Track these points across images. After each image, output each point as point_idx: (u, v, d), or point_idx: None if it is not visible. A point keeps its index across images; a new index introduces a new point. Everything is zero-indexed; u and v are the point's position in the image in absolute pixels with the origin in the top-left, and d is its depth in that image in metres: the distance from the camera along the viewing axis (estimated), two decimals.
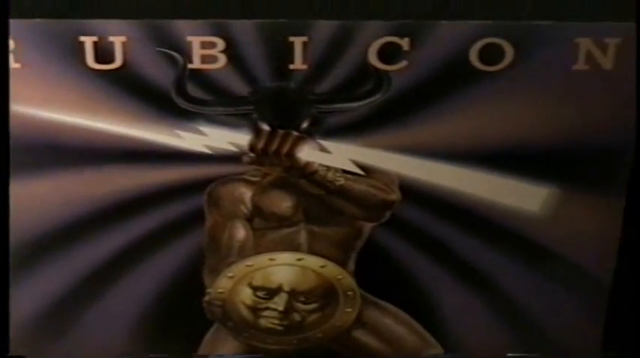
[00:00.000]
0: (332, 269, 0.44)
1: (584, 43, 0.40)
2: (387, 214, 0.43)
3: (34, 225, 0.43)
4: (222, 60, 0.40)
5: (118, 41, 0.40)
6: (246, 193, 0.43)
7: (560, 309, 0.46)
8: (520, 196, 0.43)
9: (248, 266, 0.44)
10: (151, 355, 0.46)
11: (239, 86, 0.41)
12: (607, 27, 0.40)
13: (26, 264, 0.44)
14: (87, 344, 0.46)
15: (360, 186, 0.42)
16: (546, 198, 0.43)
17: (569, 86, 0.41)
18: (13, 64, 0.40)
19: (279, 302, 0.44)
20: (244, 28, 0.40)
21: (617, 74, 0.40)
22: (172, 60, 0.40)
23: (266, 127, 0.41)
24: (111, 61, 0.40)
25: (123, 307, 0.45)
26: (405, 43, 0.40)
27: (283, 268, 0.44)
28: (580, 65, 0.40)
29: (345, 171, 0.42)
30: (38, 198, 0.42)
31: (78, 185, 0.42)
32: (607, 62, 0.40)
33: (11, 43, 0.39)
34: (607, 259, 0.44)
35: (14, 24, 0.39)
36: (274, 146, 0.41)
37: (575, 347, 0.46)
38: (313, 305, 0.44)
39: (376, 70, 0.40)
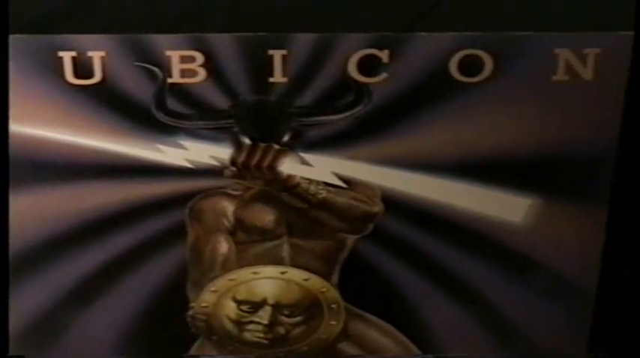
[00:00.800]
0: (316, 282, 0.44)
1: (564, 54, 0.40)
2: (370, 226, 0.43)
3: (17, 241, 0.43)
4: (202, 74, 0.40)
5: (96, 56, 0.40)
6: (229, 207, 0.43)
7: (545, 318, 0.45)
8: (502, 207, 0.43)
9: (231, 280, 0.44)
10: None
11: (219, 100, 0.41)
12: (586, 37, 0.40)
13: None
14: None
15: (343, 199, 0.42)
16: (529, 209, 0.43)
17: (549, 97, 0.41)
18: None
19: (264, 316, 0.44)
20: (224, 42, 0.40)
21: (596, 84, 0.40)
22: (152, 74, 0.40)
23: (247, 141, 0.41)
24: (90, 76, 0.40)
25: (106, 322, 0.45)
26: (384, 55, 0.40)
27: (267, 281, 0.44)
28: (560, 76, 0.40)
29: (327, 184, 0.42)
30: (20, 213, 0.42)
31: (60, 200, 0.42)
32: (587, 73, 0.40)
33: None
34: (590, 267, 0.44)
35: None
36: (255, 159, 0.41)
37: (561, 355, 0.46)
38: (298, 319, 0.44)
39: (356, 82, 0.40)
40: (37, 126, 0.41)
